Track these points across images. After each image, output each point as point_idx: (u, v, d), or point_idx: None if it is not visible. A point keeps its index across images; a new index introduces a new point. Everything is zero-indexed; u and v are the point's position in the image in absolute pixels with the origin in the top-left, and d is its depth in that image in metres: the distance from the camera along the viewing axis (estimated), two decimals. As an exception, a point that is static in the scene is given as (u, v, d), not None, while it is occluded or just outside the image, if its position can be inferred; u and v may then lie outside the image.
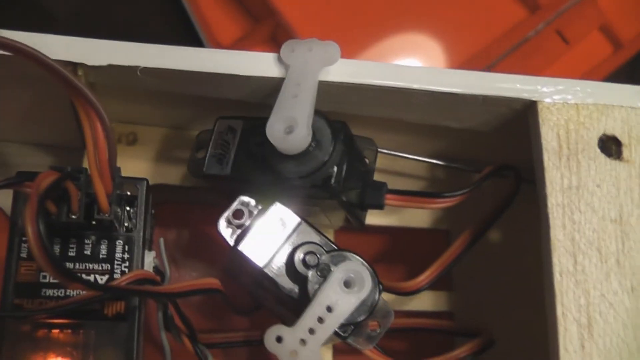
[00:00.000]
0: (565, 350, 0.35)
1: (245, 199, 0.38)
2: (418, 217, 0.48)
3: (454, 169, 0.46)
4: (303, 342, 0.34)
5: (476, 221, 0.43)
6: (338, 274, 0.35)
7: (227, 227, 0.38)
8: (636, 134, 0.40)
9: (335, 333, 0.36)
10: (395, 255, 0.49)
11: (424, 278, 0.42)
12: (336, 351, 0.46)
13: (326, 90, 0.38)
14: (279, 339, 0.34)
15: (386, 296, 0.42)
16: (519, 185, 0.42)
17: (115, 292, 0.36)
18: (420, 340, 0.45)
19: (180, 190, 0.45)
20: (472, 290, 0.48)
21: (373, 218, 0.46)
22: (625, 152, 0.39)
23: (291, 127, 0.35)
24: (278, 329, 0.35)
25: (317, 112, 0.37)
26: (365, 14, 0.60)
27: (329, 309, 0.35)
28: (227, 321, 0.48)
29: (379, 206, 0.40)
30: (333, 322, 0.35)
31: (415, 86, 0.39)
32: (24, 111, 0.43)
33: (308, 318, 0.35)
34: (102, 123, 0.33)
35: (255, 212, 0.38)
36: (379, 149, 0.43)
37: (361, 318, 0.37)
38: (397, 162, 0.47)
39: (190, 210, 0.48)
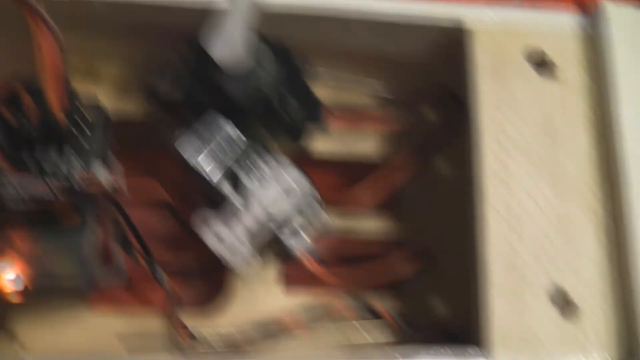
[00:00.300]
0: (489, 242, 0.38)
1: (195, 119, 0.41)
2: (366, 146, 0.50)
3: (400, 99, 0.48)
4: (240, 239, 0.37)
5: (420, 147, 0.46)
6: (276, 179, 0.38)
7: (181, 143, 0.40)
8: (568, 55, 0.43)
9: (274, 235, 0.39)
10: (344, 182, 0.51)
11: (366, 196, 0.45)
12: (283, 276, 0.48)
13: (268, 15, 0.40)
14: (204, 221, 0.37)
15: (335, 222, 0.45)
16: (459, 109, 0.44)
17: (73, 193, 0.38)
18: (365, 262, 0.46)
19: (141, 127, 0.47)
20: (418, 216, 0.50)
21: (324, 146, 0.48)
22: (557, 72, 0.42)
23: (232, 46, 0.38)
24: (206, 212, 0.37)
25: (258, 35, 0.39)
26: None
27: (265, 211, 0.37)
28: (183, 247, 0.49)
29: (319, 124, 0.43)
30: (268, 222, 0.37)
31: (352, 13, 0.41)
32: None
33: (246, 219, 0.37)
34: (52, 36, 0.36)
35: (204, 130, 0.40)
36: (323, 77, 0.45)
37: (296, 222, 0.39)
38: (344, 95, 0.49)
39: (153, 153, 0.50)
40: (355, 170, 0.49)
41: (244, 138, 0.40)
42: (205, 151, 0.39)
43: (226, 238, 0.37)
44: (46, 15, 0.35)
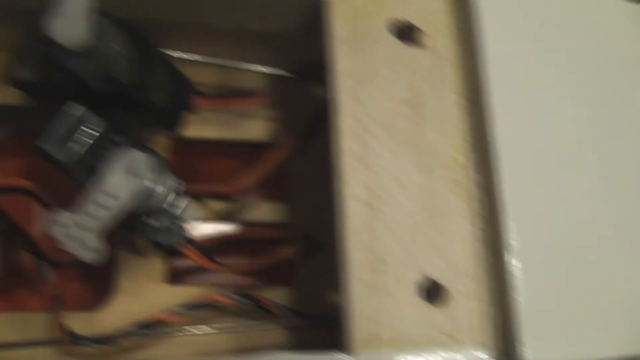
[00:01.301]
0: (350, 230, 0.35)
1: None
2: (253, 129, 0.48)
3: (278, 77, 0.46)
4: (80, 226, 0.35)
5: (300, 125, 0.44)
6: (120, 161, 0.36)
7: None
8: (435, 20, 0.40)
9: (129, 227, 0.37)
10: (232, 169, 0.50)
11: (245, 179, 0.43)
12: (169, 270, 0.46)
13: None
14: (55, 222, 0.35)
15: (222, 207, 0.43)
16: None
17: None
18: (256, 251, 0.45)
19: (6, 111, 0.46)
20: (308, 200, 0.48)
21: (209, 131, 0.47)
22: (423, 38, 0.40)
23: (69, 21, 0.36)
24: (58, 214, 0.35)
25: (101, 11, 0.38)
26: None
27: (109, 195, 0.36)
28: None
29: (185, 107, 0.41)
30: (113, 208, 0.35)
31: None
32: None
33: (87, 203, 0.35)
34: None
35: (57, 114, 0.39)
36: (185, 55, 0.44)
37: (153, 210, 0.37)
38: (231, 78, 0.47)
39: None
40: (246, 156, 0.48)
41: (99, 121, 0.38)
42: (58, 135, 0.38)
43: (77, 234, 0.35)
44: None
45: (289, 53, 0.45)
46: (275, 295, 0.44)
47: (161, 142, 0.45)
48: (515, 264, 0.35)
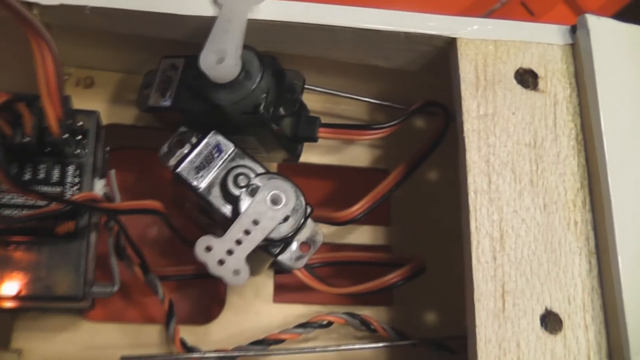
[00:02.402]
0: (478, 261, 0.38)
1: (184, 129, 0.42)
2: (358, 156, 0.51)
3: (389, 108, 0.49)
4: (230, 252, 0.37)
5: (409, 157, 0.46)
6: (264, 190, 0.39)
7: (168, 154, 0.41)
8: (551, 67, 0.43)
9: (266, 250, 0.40)
10: (336, 193, 0.52)
11: (357, 208, 0.45)
12: (276, 288, 0.49)
13: (258, 28, 0.41)
14: (208, 249, 0.37)
15: (326, 229, 0.45)
16: (447, 120, 0.45)
17: (62, 202, 0.39)
18: (358, 271, 0.48)
19: (134, 131, 0.48)
20: (408, 224, 0.51)
21: (315, 156, 0.50)
22: (541, 84, 0.42)
23: (222, 58, 0.39)
24: (207, 240, 0.37)
25: (248, 47, 0.40)
26: None
27: (255, 222, 0.38)
28: (179, 259, 0.50)
29: (312, 138, 0.43)
30: (258, 234, 0.38)
31: (337, 23, 0.42)
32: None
33: (235, 230, 0.38)
34: (51, 52, 0.36)
35: (194, 141, 0.41)
36: (316, 88, 0.46)
37: (289, 234, 0.40)
38: (337, 105, 0.51)
39: (145, 155, 0.51)
40: (346, 179, 0.51)
41: (234, 148, 0.41)
42: (193, 161, 0.40)
43: (227, 260, 0.38)
44: (42, 28, 0.36)
45: (402, 88, 0.48)
46: (374, 314, 0.47)
47: (272, 167, 0.47)
48: (626, 298, 0.38)
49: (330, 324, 0.45)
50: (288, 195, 0.39)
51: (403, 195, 0.50)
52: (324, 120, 0.45)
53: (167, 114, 0.43)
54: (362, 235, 0.51)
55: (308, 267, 0.44)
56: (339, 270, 0.49)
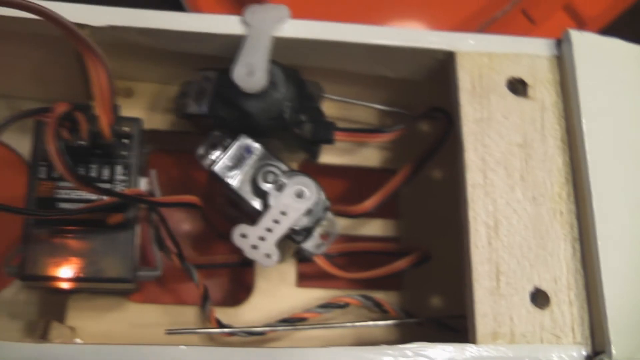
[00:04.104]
0: (475, 246, 0.44)
1: (218, 133, 0.47)
2: (370, 157, 0.57)
3: (397, 114, 0.55)
4: (262, 238, 0.44)
5: (415, 157, 0.52)
6: (291, 185, 0.45)
7: (204, 155, 0.47)
8: (540, 76, 0.48)
9: (291, 238, 0.46)
10: (350, 190, 0.58)
11: (368, 202, 0.51)
12: (299, 274, 0.55)
13: (282, 44, 0.47)
14: (243, 235, 0.44)
15: (342, 222, 0.51)
16: (449, 124, 0.51)
17: (116, 196, 0.45)
18: (370, 260, 0.53)
19: (171, 136, 0.54)
20: (416, 217, 0.57)
21: (331, 157, 0.56)
22: (530, 91, 0.48)
23: (251, 71, 0.45)
24: (243, 228, 0.44)
25: (274, 61, 0.46)
26: None
27: (283, 213, 0.44)
28: (211, 249, 0.57)
29: (329, 140, 0.50)
30: (285, 223, 0.44)
31: (351, 40, 0.48)
32: (35, 69, 0.52)
33: (266, 219, 0.44)
34: (104, 67, 0.42)
35: (226, 144, 0.47)
36: (331, 96, 0.52)
37: (310, 225, 0.46)
38: (349, 111, 0.56)
39: (181, 156, 0.57)
40: (359, 178, 0.56)
41: (261, 149, 0.46)
42: (227, 161, 0.46)
43: (259, 245, 0.44)
44: (97, 48, 0.42)
45: (408, 96, 0.54)
46: (386, 297, 0.52)
47: (293, 166, 0.53)
48: (605, 278, 0.43)
49: (347, 305, 0.51)
50: (311, 190, 0.45)
51: (410, 192, 0.55)
52: (339, 125, 0.51)
53: (202, 120, 0.49)
54: (374, 227, 0.56)
55: (327, 256, 0.50)
56: (354, 259, 0.54)
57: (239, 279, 0.56)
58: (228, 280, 0.56)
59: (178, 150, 0.57)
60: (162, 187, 0.50)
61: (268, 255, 0.44)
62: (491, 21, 0.67)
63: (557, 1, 0.71)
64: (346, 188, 0.58)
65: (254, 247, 0.44)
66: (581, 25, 0.71)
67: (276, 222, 0.44)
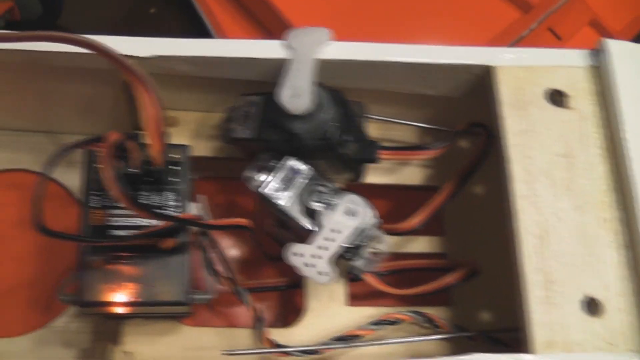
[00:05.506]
0: (524, 256, 0.44)
1: (265, 155, 0.48)
2: (412, 176, 0.58)
3: (437, 132, 0.56)
4: (315, 256, 0.44)
5: (457, 173, 0.53)
6: (342, 203, 0.45)
7: (252, 178, 0.47)
8: (578, 87, 0.49)
9: (341, 256, 0.46)
10: (394, 208, 0.59)
11: (415, 220, 0.52)
12: (349, 293, 0.55)
13: (325, 67, 0.48)
14: (297, 254, 0.44)
15: (389, 240, 0.51)
16: (489, 139, 0.51)
17: (172, 220, 0.46)
18: (418, 277, 0.53)
19: (215, 162, 0.55)
20: (461, 233, 0.57)
21: (376, 177, 0.56)
22: (570, 102, 0.49)
23: (297, 93, 0.46)
24: (296, 247, 0.45)
25: (319, 84, 0.47)
26: (363, 13, 0.67)
27: (334, 231, 0.45)
28: (261, 273, 0.57)
29: (373, 159, 0.50)
30: (337, 242, 0.45)
31: (391, 59, 0.49)
32: (81, 103, 0.53)
33: (319, 238, 0.45)
34: (154, 95, 0.43)
35: (273, 166, 0.48)
36: (374, 116, 0.53)
37: (361, 243, 0.46)
38: (389, 130, 0.57)
39: (225, 183, 0.58)
40: (402, 197, 0.57)
41: (309, 170, 0.47)
42: (276, 183, 0.47)
43: (311, 263, 0.45)
44: (146, 76, 0.43)
45: (448, 113, 0.55)
46: (436, 314, 0.53)
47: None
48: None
49: (399, 321, 0.51)
50: (361, 208, 0.45)
51: (454, 208, 0.56)
52: (381, 144, 0.51)
53: (248, 144, 0.50)
54: (421, 244, 0.57)
55: (376, 274, 0.51)
56: (402, 277, 0.54)
57: (288, 301, 0.56)
58: (277, 302, 0.56)
59: (222, 177, 0.58)
60: (218, 213, 0.51)
61: (321, 273, 0.45)
62: (518, 40, 0.68)
63: (582, 17, 0.72)
64: (390, 207, 0.59)
65: (308, 265, 0.44)
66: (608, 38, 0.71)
67: (329, 240, 0.45)
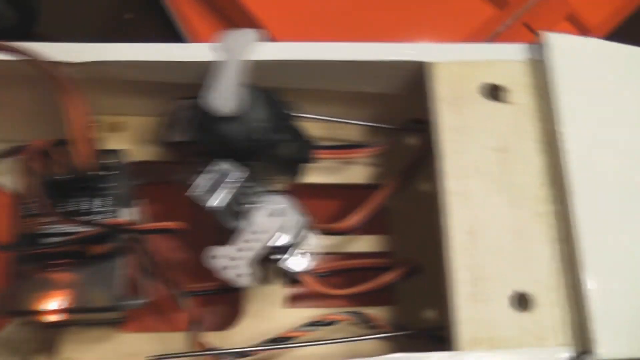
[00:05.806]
0: (452, 254, 0.44)
1: (197, 159, 0.48)
2: (359, 174, 0.57)
3: (383, 130, 0.55)
4: (234, 259, 0.44)
5: (399, 170, 0.52)
6: (263, 204, 0.45)
7: (184, 181, 0.47)
8: (520, 80, 0.48)
9: (268, 258, 0.46)
10: (339, 209, 0.58)
11: (354, 218, 0.51)
12: (287, 295, 0.54)
13: (262, 67, 0.47)
14: (213, 257, 0.44)
15: (333, 241, 0.52)
16: (429, 134, 0.50)
17: (93, 225, 0.46)
18: (365, 277, 0.52)
19: (162, 167, 0.55)
20: (407, 231, 0.56)
21: (322, 177, 0.56)
22: (509, 96, 0.48)
23: (221, 94, 0.45)
24: (216, 249, 0.44)
25: (246, 83, 0.46)
26: (337, 18, 0.67)
27: (257, 232, 0.44)
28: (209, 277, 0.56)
29: (307, 159, 0.50)
30: (261, 242, 0.44)
31: (326, 58, 0.48)
32: (29, 111, 0.53)
33: (239, 240, 0.44)
34: (77, 101, 0.43)
35: (204, 169, 0.47)
36: (317, 116, 0.53)
37: (289, 243, 0.46)
38: (336, 130, 0.56)
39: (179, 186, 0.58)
40: (349, 196, 0.56)
41: (239, 173, 0.47)
42: (205, 186, 0.46)
43: (230, 265, 0.44)
44: (65, 79, 0.43)
45: (389, 110, 0.54)
46: (379, 313, 0.52)
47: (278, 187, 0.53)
48: (587, 277, 0.43)
49: (334, 322, 0.50)
50: (284, 208, 0.45)
51: (401, 205, 0.55)
52: (325, 144, 0.51)
53: (183, 148, 0.50)
54: (367, 244, 0.56)
55: (316, 274, 0.50)
56: (349, 277, 0.54)
57: (234, 305, 0.55)
58: (224, 306, 0.56)
59: (165, 181, 0.58)
60: (157, 218, 0.50)
61: (240, 276, 0.44)
62: (493, 36, 0.67)
63: (559, 12, 0.71)
64: (337, 207, 0.57)
65: (227, 267, 0.44)
66: (585, 33, 0.71)
67: (250, 241, 0.44)
